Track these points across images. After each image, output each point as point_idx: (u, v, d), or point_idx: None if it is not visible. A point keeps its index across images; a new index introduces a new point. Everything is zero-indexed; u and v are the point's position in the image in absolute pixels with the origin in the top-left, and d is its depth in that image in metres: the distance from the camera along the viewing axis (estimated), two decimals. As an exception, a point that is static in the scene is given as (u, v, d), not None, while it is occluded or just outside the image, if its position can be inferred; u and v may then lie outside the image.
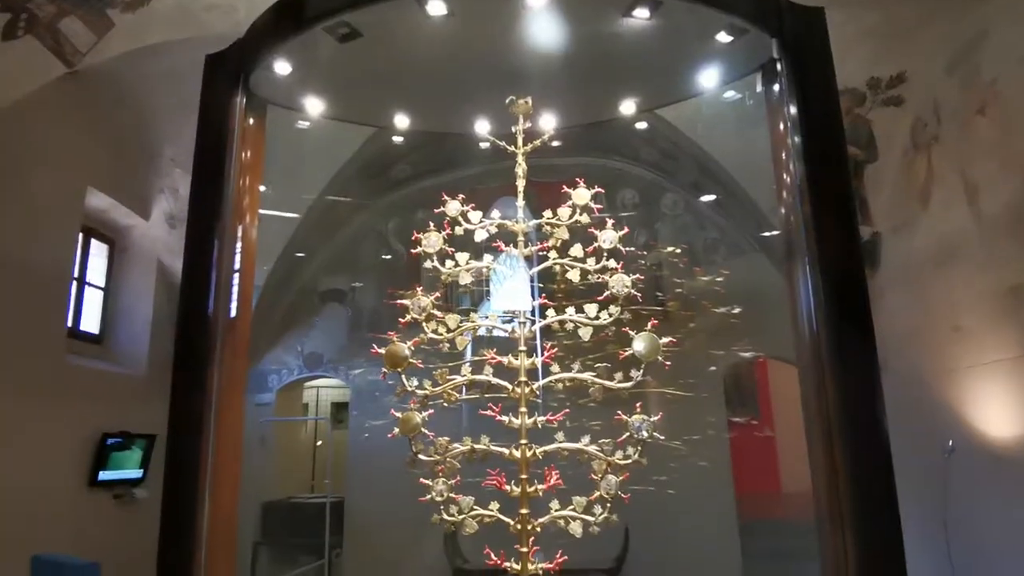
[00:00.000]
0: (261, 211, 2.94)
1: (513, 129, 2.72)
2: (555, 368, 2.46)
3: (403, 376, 2.47)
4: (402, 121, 3.43)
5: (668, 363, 2.39)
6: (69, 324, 6.50)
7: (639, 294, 2.42)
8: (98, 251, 7.08)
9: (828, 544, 2.30)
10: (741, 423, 6.69)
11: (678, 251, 6.82)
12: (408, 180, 8.32)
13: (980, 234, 5.57)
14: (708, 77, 3.15)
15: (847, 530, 2.20)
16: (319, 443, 8.69)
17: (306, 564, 7.12)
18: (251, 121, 2.84)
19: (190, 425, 2.46)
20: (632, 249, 2.56)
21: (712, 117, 6.08)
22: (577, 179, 2.60)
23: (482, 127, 3.36)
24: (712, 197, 7.24)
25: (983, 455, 5.61)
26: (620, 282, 2.41)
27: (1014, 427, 5.31)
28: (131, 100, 6.18)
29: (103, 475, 6.59)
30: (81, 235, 6.59)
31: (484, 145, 3.14)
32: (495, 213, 2.74)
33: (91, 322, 7.04)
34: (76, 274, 6.65)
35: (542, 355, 2.48)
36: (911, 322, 6.66)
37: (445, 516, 2.34)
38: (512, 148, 2.70)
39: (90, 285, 6.98)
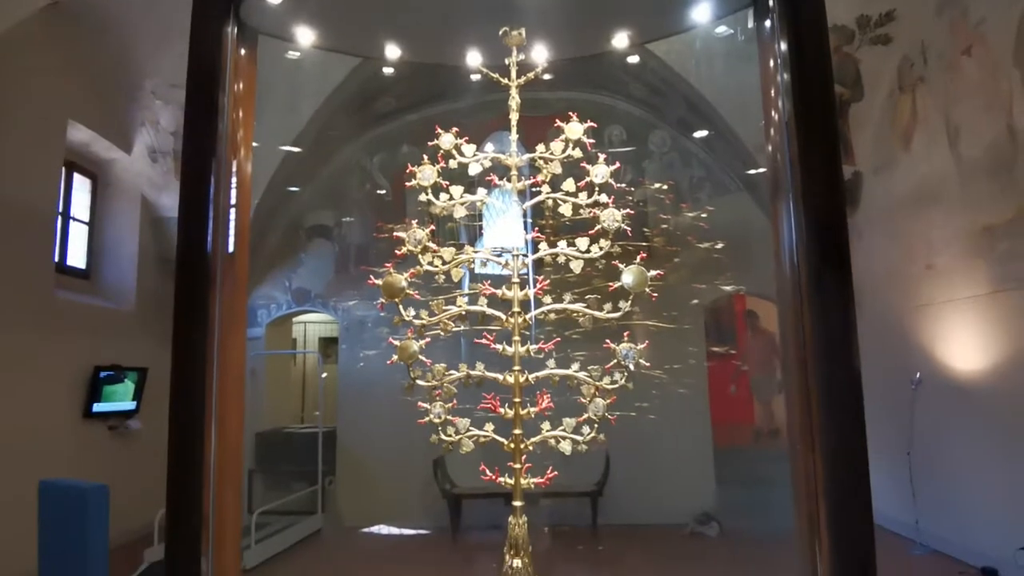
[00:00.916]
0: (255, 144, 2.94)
1: (506, 61, 2.72)
2: (547, 300, 2.56)
3: (400, 306, 2.56)
4: (393, 51, 3.39)
5: (655, 295, 2.50)
6: (56, 259, 6.48)
7: (628, 228, 2.50)
8: (81, 185, 6.99)
9: (799, 465, 2.46)
10: (720, 355, 6.93)
11: (664, 187, 6.90)
12: (393, 114, 8.20)
13: (959, 176, 5.69)
14: (701, 11, 3.13)
15: (817, 452, 2.36)
16: (324, 375, 8.88)
17: (300, 491, 7.39)
18: (243, 52, 2.81)
19: (194, 359, 2.52)
20: (622, 185, 2.62)
21: (703, 53, 6.04)
22: (570, 113, 2.63)
23: (474, 59, 3.34)
24: (702, 133, 7.25)
25: (949, 387, 5.90)
26: (611, 216, 2.48)
27: (979, 360, 5.58)
28: (111, 31, 6.00)
29: (97, 407, 6.71)
30: (64, 169, 6.49)
31: (475, 77, 3.13)
32: (488, 147, 2.77)
33: (77, 257, 7.02)
34: (60, 209, 6.58)
35: (534, 287, 2.58)
36: (887, 261, 6.85)
37: (443, 436, 2.48)
38: (505, 81, 2.72)
39: (75, 220, 6.92)
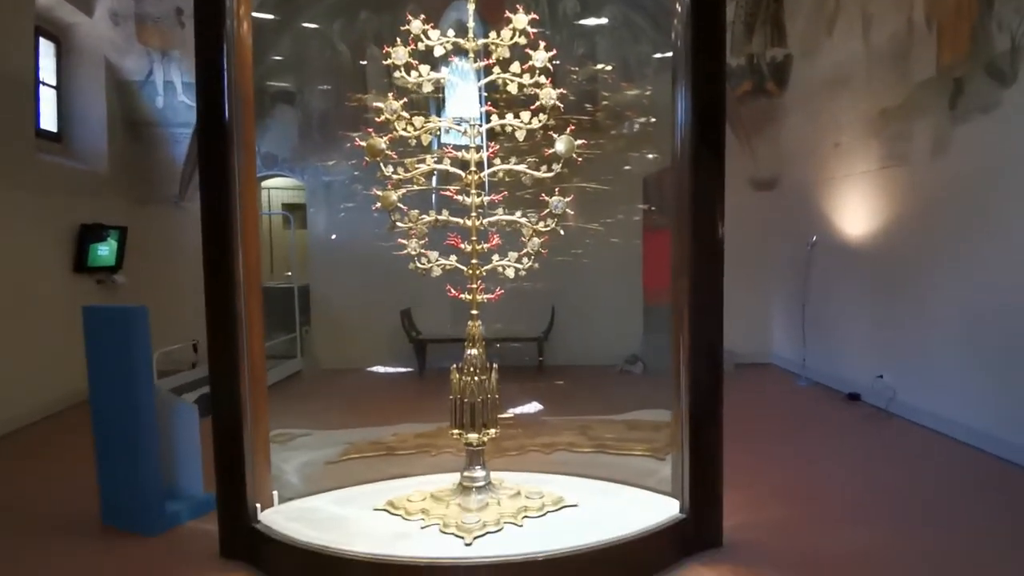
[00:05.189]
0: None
1: (467, -44, 3.24)
2: (497, 161, 3.28)
3: (380, 164, 3.24)
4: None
5: (580, 159, 3.24)
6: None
7: (562, 105, 3.18)
8: (46, 50, 7.08)
9: (675, 286, 3.36)
10: (659, 228, 7.75)
11: (608, 68, 7.46)
12: (351, -21, 8.25)
13: (867, 62, 6.39)
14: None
15: (686, 277, 3.26)
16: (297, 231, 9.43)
17: (278, 338, 8.22)
18: (240, -62, 3.26)
19: (222, 201, 3.21)
20: (558, 62, 3.24)
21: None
22: (518, 6, 3.21)
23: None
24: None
25: (840, 249, 6.94)
26: (548, 95, 3.16)
27: (866, 226, 6.57)
28: None
29: (84, 262, 7.24)
30: (33, 32, 6.58)
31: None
32: (450, 16, 3.34)
33: (49, 121, 7.25)
34: (32, 72, 6.73)
35: (487, 151, 3.28)
36: (805, 138, 7.66)
37: (418, 265, 3.26)
38: (465, -24, 3.25)
39: (43, 84, 7.08)
